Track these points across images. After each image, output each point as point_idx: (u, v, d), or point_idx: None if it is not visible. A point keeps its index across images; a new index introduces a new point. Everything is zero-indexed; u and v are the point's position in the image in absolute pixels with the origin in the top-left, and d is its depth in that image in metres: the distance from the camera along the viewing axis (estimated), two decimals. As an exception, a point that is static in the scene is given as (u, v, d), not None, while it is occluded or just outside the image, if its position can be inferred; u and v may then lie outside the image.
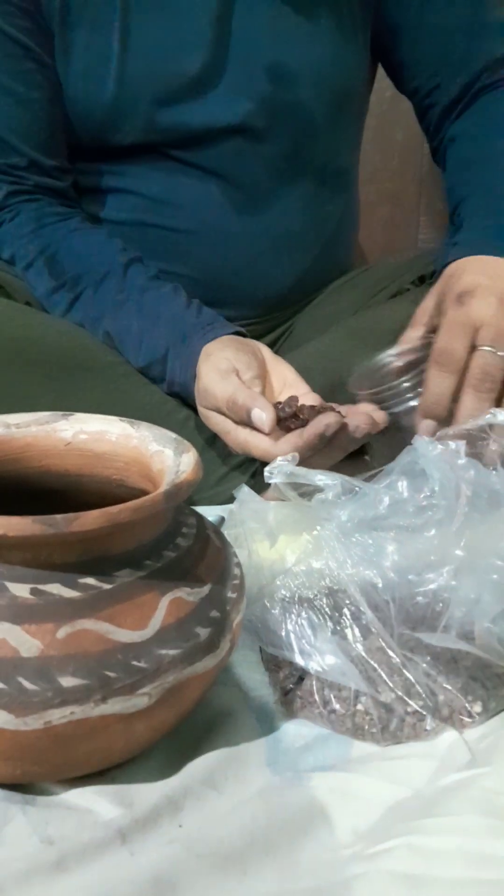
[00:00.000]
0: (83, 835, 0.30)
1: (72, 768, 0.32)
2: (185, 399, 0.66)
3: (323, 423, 0.52)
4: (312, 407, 0.56)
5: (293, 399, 0.57)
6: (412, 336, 0.60)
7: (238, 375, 0.58)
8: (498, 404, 0.53)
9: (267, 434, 0.54)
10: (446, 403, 0.53)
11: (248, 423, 0.55)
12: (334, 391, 0.72)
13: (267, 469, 0.43)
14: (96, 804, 0.32)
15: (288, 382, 0.62)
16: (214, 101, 0.68)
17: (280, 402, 0.57)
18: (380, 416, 0.55)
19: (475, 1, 0.70)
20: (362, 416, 0.54)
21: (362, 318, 0.75)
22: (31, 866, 0.29)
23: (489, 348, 0.52)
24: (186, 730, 0.37)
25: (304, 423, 0.54)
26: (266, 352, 0.63)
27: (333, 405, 0.57)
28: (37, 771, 0.32)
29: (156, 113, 0.67)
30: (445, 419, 0.54)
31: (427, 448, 0.41)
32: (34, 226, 0.70)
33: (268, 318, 0.81)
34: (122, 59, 0.66)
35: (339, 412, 0.54)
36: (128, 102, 0.67)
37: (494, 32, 0.71)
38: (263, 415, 0.54)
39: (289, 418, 0.55)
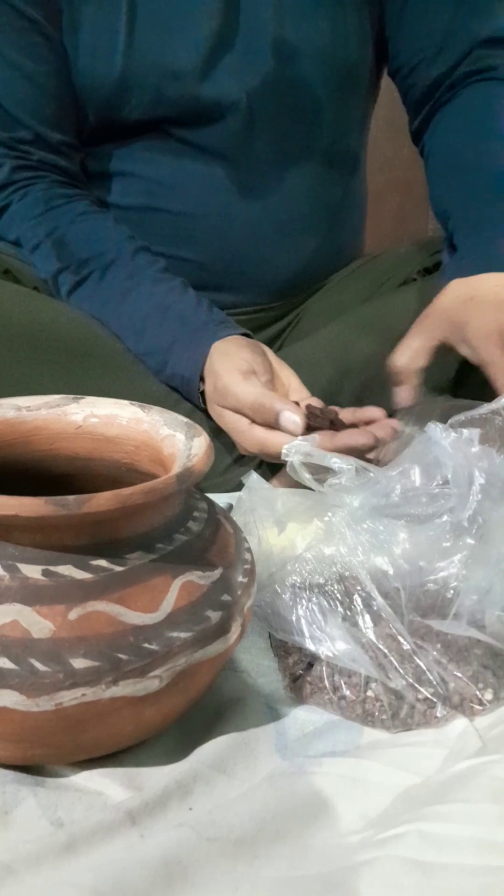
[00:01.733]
0: (93, 817, 0.30)
1: (82, 751, 0.32)
2: (182, 393, 0.66)
3: (360, 441, 0.53)
4: (341, 421, 0.58)
5: (329, 410, 0.58)
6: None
7: (257, 377, 0.58)
8: None
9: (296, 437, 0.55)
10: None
11: (273, 425, 0.55)
12: (342, 380, 0.71)
13: (285, 447, 0.43)
14: (106, 787, 0.32)
15: (293, 388, 0.62)
16: (221, 75, 0.68)
17: (311, 406, 0.58)
18: (399, 425, 0.56)
19: None
20: (387, 429, 0.55)
21: (370, 308, 0.74)
22: (42, 848, 0.29)
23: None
24: (196, 715, 0.37)
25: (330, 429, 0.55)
26: (271, 355, 0.64)
27: (338, 410, 0.59)
28: (47, 753, 0.32)
29: (163, 86, 0.67)
30: None
31: (440, 436, 0.41)
32: (43, 208, 0.69)
33: (275, 304, 0.80)
34: (129, 33, 0.66)
35: (371, 433, 0.55)
36: (136, 75, 0.66)
37: (480, 12, 0.69)
38: (296, 418, 0.54)
39: (317, 426, 0.56)
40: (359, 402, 0.71)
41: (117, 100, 0.68)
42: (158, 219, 0.73)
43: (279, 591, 0.40)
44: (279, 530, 0.45)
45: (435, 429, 0.41)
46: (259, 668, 0.41)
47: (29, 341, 0.63)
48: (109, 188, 0.73)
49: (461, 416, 0.45)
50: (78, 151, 0.73)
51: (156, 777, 0.33)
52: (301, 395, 0.61)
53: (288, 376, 0.63)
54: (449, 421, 0.44)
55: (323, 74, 0.71)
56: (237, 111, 0.69)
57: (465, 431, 0.42)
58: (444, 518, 0.39)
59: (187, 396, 0.65)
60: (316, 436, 0.46)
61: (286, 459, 0.43)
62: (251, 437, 0.57)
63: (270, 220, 0.74)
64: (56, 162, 0.71)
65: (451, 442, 0.41)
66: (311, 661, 0.39)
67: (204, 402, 0.63)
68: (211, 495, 0.61)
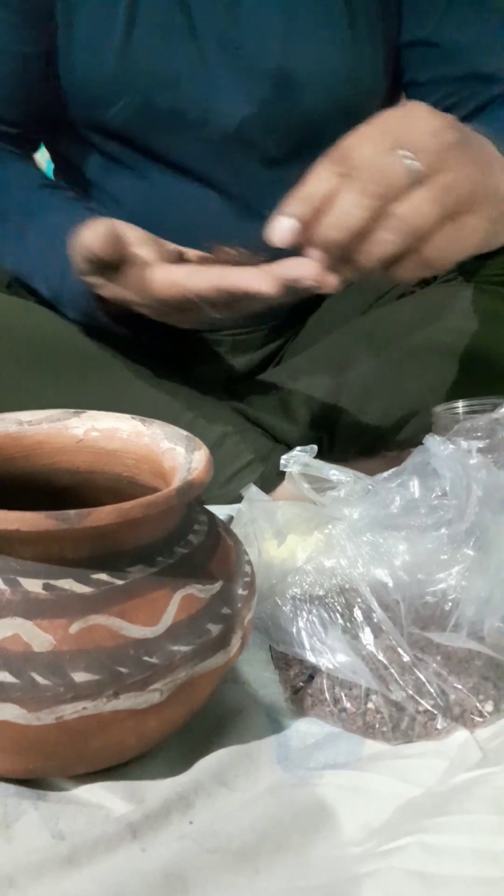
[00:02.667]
0: (94, 830, 0.30)
1: (83, 764, 0.33)
2: (91, 318, 0.60)
3: (254, 285, 0.44)
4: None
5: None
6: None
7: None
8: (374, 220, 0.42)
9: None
10: (316, 204, 0.42)
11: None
12: (340, 392, 0.71)
13: (284, 457, 0.43)
14: (107, 800, 0.32)
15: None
16: (215, 94, 0.66)
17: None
18: (332, 280, 0.45)
19: (496, 18, 0.66)
20: (308, 266, 0.44)
21: (368, 320, 0.74)
22: (43, 860, 0.29)
23: (404, 153, 0.42)
24: (196, 727, 0.37)
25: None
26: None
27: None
28: (48, 766, 0.32)
29: (154, 92, 0.65)
30: (311, 228, 0.43)
31: (439, 448, 0.41)
32: None
33: (269, 325, 0.79)
34: (127, 32, 0.64)
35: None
36: (128, 76, 0.65)
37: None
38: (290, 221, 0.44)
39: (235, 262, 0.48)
40: (358, 414, 0.72)
41: (106, 98, 0.66)
42: None
43: (280, 602, 0.40)
44: (279, 542, 0.46)
45: (433, 441, 0.41)
46: (260, 680, 0.41)
47: (28, 353, 0.63)
48: (97, 205, 0.71)
49: (466, 424, 0.46)
50: (24, 131, 0.70)
51: (157, 789, 0.33)
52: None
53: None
54: (454, 429, 0.45)
55: (326, 110, 0.67)
56: (228, 135, 0.67)
57: (464, 442, 0.43)
58: (443, 530, 0.39)
59: (93, 316, 0.59)
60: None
61: (285, 469, 0.43)
62: (154, 278, 0.50)
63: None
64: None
65: (448, 453, 0.41)
66: (312, 673, 0.39)
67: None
68: (211, 507, 0.61)
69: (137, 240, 0.52)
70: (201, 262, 0.50)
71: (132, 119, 0.67)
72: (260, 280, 0.43)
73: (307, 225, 0.42)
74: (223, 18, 0.64)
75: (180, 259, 0.53)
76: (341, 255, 0.43)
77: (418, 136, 0.42)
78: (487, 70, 0.67)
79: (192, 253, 0.55)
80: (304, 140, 0.68)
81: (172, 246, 0.55)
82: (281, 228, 0.43)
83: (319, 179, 0.43)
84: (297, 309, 0.79)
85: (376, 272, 0.44)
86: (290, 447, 0.50)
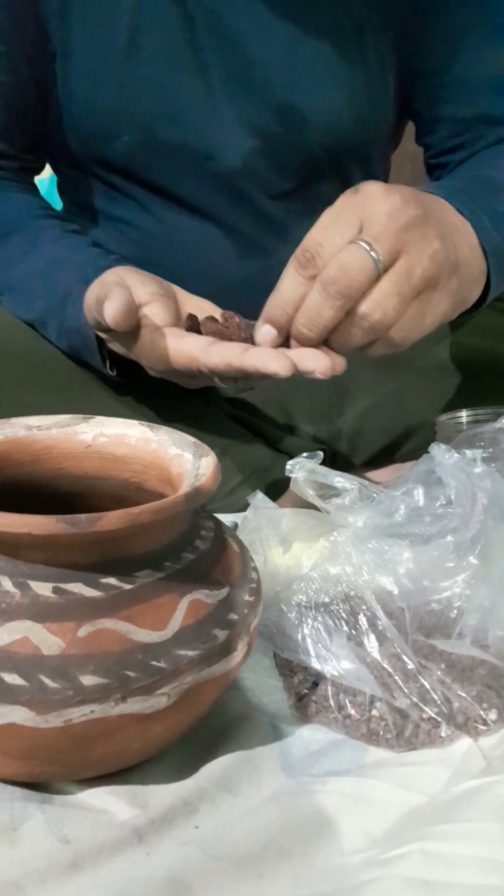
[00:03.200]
0: (99, 834, 0.31)
1: (89, 768, 0.33)
2: (83, 353, 0.59)
3: (272, 367, 0.44)
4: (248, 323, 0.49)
5: (234, 319, 0.51)
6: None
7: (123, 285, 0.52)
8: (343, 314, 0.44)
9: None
10: (290, 311, 0.45)
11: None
12: (342, 404, 0.71)
13: (290, 462, 0.43)
14: (112, 804, 0.32)
15: (205, 310, 0.55)
16: (219, 127, 0.64)
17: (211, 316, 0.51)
18: (340, 363, 0.46)
19: None
20: (319, 361, 0.45)
21: None
22: (48, 865, 0.29)
23: (365, 245, 0.42)
24: (201, 733, 0.37)
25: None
26: (176, 287, 0.57)
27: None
28: (54, 770, 0.32)
29: (157, 124, 0.63)
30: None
31: (444, 456, 0.41)
32: None
33: None
34: (127, 63, 0.62)
35: (289, 359, 0.45)
36: (130, 109, 0.63)
37: None
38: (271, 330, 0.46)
39: (224, 335, 0.49)
40: (360, 428, 0.72)
41: (106, 131, 0.64)
42: (153, 273, 0.67)
43: (285, 609, 0.40)
44: (284, 550, 0.46)
45: (438, 449, 0.42)
46: (264, 686, 0.41)
47: (27, 367, 0.63)
48: (103, 233, 0.71)
49: (469, 433, 0.46)
50: (16, 161, 0.70)
51: (162, 795, 0.33)
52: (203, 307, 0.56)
53: (200, 303, 0.57)
54: (457, 438, 0.45)
55: (331, 145, 0.66)
56: (234, 170, 0.65)
57: (468, 452, 0.43)
58: (449, 538, 0.39)
59: (88, 356, 0.59)
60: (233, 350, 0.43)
61: (290, 475, 0.44)
62: (167, 347, 0.51)
63: (272, 281, 0.68)
64: None
65: (454, 462, 0.41)
66: (316, 680, 0.40)
67: (104, 356, 0.58)
68: (216, 515, 0.62)
69: (149, 296, 0.53)
70: (213, 333, 0.50)
71: (135, 152, 0.65)
72: (277, 364, 0.44)
73: (284, 327, 0.46)
74: (228, 51, 0.62)
75: (192, 322, 0.52)
76: (318, 345, 0.46)
77: (377, 219, 0.43)
78: (496, 112, 0.65)
79: (207, 305, 0.56)
80: (310, 175, 0.67)
81: (183, 294, 0.56)
82: (262, 336, 0.46)
83: (290, 284, 0.45)
84: None
85: (350, 355, 0.46)
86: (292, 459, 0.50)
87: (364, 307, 0.43)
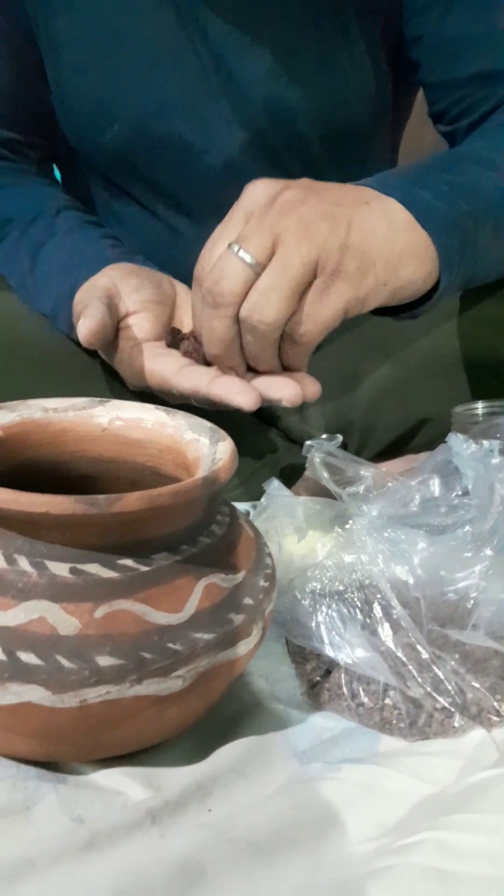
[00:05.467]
0: (113, 815, 0.31)
1: (103, 749, 0.33)
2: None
3: (236, 400, 0.44)
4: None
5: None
6: None
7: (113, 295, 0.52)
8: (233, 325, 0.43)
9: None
10: (197, 326, 0.45)
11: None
12: (351, 397, 0.71)
13: (308, 443, 0.43)
14: (125, 786, 0.32)
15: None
16: (209, 121, 0.63)
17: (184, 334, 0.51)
18: (312, 388, 0.46)
19: (499, 10, 0.62)
20: (288, 390, 0.45)
21: (377, 326, 0.74)
22: (62, 844, 0.29)
23: (235, 247, 0.42)
24: (213, 719, 0.37)
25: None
26: (181, 288, 0.57)
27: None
28: (69, 751, 0.32)
29: (146, 118, 0.63)
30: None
31: (462, 447, 0.41)
32: None
33: None
34: (112, 56, 0.61)
35: (256, 392, 0.45)
36: (119, 100, 0.63)
37: None
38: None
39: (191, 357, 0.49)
40: (371, 419, 0.71)
41: (97, 124, 0.64)
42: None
43: (299, 597, 0.40)
44: (299, 538, 0.46)
45: (456, 439, 0.41)
46: (276, 673, 0.41)
47: (43, 359, 0.62)
48: (108, 227, 0.69)
49: (484, 425, 0.46)
50: (34, 150, 0.69)
51: (175, 778, 0.33)
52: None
53: (183, 290, 0.56)
54: (474, 429, 0.45)
55: (324, 134, 0.64)
56: (229, 163, 0.64)
57: (486, 443, 0.43)
58: (467, 528, 0.39)
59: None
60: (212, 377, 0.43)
61: (307, 455, 0.43)
62: (143, 365, 0.51)
63: None
64: (5, 155, 0.68)
65: (471, 453, 0.41)
66: (329, 667, 0.39)
67: None
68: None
69: (139, 305, 0.52)
70: (190, 352, 0.49)
71: (127, 145, 0.64)
72: (242, 396, 0.44)
73: None
74: (212, 44, 0.61)
75: (173, 338, 0.52)
76: (234, 364, 0.45)
77: (252, 217, 0.42)
78: (492, 68, 0.62)
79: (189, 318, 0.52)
80: (305, 167, 0.65)
81: (186, 293, 0.54)
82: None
83: (195, 302, 0.45)
84: None
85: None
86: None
87: (243, 310, 0.42)
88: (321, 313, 0.43)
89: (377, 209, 0.45)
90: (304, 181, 0.44)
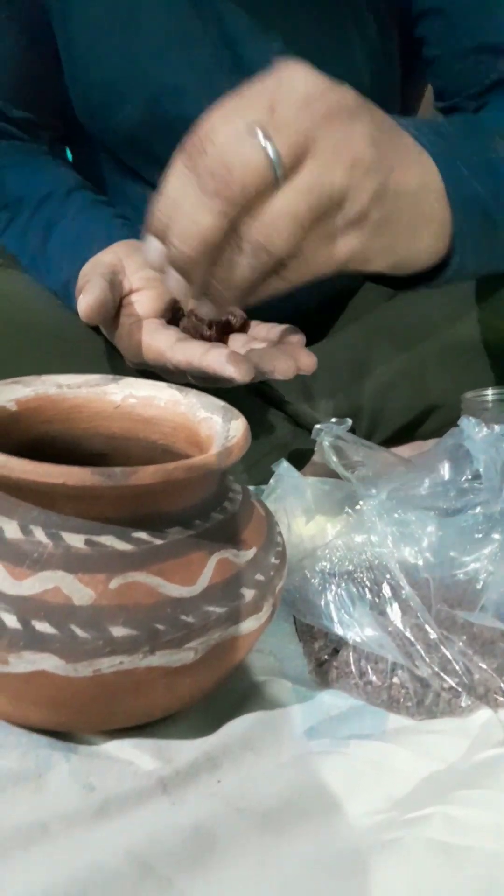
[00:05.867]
0: (125, 783, 0.31)
1: (114, 720, 0.33)
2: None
3: (228, 372, 0.41)
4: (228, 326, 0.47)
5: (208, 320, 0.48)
6: None
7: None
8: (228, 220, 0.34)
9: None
10: (168, 212, 0.36)
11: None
12: (362, 383, 0.71)
13: (317, 426, 0.43)
14: (136, 757, 0.33)
15: None
16: (220, 102, 0.63)
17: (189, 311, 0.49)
18: (307, 360, 0.43)
19: None
20: (283, 361, 0.42)
21: (392, 310, 0.74)
22: (75, 810, 0.29)
23: (259, 133, 0.33)
24: (222, 694, 0.37)
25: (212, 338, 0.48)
26: None
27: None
28: (80, 720, 0.32)
29: (159, 98, 0.63)
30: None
31: (474, 430, 0.41)
32: None
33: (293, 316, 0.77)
34: (126, 36, 0.61)
35: (250, 365, 0.43)
36: (131, 81, 0.62)
37: None
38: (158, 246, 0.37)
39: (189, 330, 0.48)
40: (380, 405, 0.71)
41: (110, 104, 0.64)
42: None
43: (309, 575, 0.41)
44: (307, 519, 0.46)
45: (468, 423, 0.41)
46: (284, 651, 0.41)
47: (54, 338, 0.62)
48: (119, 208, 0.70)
49: (496, 411, 0.46)
50: (47, 130, 0.69)
51: (185, 750, 0.33)
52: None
53: None
54: (484, 415, 0.45)
55: None
56: None
57: (498, 427, 0.43)
58: (478, 510, 0.39)
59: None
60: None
61: (316, 439, 0.43)
62: (141, 340, 0.49)
63: None
64: (17, 135, 0.68)
65: (483, 437, 0.41)
66: (337, 646, 0.40)
67: None
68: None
69: (143, 282, 0.51)
70: (189, 328, 0.49)
71: (140, 125, 0.64)
72: (235, 369, 0.42)
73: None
74: (225, 27, 0.61)
75: (173, 315, 0.50)
76: (201, 281, 0.37)
77: (288, 103, 0.34)
78: (496, 39, 0.60)
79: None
80: None
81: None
82: (151, 253, 0.38)
83: (174, 182, 0.35)
84: (323, 307, 0.78)
85: (236, 304, 0.38)
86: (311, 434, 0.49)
87: (250, 227, 0.34)
88: (321, 258, 0.37)
89: (416, 163, 0.40)
90: (350, 90, 0.37)
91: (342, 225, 0.36)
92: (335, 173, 0.34)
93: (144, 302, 0.52)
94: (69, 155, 0.76)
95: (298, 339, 0.48)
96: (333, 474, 0.46)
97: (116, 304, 0.51)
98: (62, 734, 0.33)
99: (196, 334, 0.48)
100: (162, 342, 0.48)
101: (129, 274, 0.52)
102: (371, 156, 0.35)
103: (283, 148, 0.33)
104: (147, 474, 0.30)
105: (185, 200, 0.35)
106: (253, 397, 0.70)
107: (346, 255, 0.37)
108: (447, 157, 0.42)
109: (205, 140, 0.34)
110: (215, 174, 0.33)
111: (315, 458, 0.49)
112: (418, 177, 0.40)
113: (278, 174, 0.33)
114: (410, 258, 0.42)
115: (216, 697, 0.37)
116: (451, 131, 0.47)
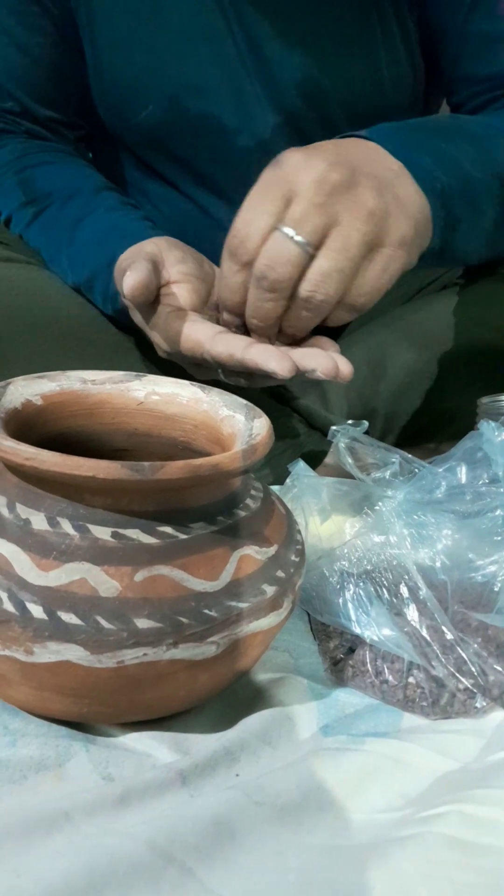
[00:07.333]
0: (144, 775, 0.31)
1: (135, 711, 0.33)
2: (124, 318, 0.58)
3: (271, 365, 0.43)
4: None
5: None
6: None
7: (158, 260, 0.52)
8: (286, 310, 0.44)
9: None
10: (237, 297, 0.46)
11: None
12: (378, 384, 0.72)
13: (333, 428, 0.44)
14: (154, 749, 0.33)
15: None
16: (242, 102, 0.64)
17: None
18: (346, 367, 0.45)
19: None
20: (323, 361, 0.44)
21: (409, 312, 0.74)
22: (96, 799, 0.30)
23: (289, 231, 0.42)
24: (239, 690, 0.38)
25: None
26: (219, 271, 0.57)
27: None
28: (102, 711, 0.33)
29: (181, 96, 0.64)
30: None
31: (493, 433, 0.41)
32: (19, 153, 0.67)
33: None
34: (150, 34, 0.62)
35: (290, 360, 0.44)
36: (156, 78, 0.64)
37: None
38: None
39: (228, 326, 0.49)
40: (395, 408, 0.72)
41: (133, 100, 0.65)
42: None
43: (327, 574, 0.41)
44: (323, 519, 0.46)
45: (488, 426, 0.42)
46: (300, 649, 0.42)
47: (74, 334, 0.62)
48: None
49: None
50: (73, 129, 0.70)
51: (203, 743, 0.34)
52: None
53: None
54: (500, 420, 0.45)
55: (353, 120, 0.63)
56: (259, 147, 0.64)
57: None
58: (498, 512, 0.39)
59: (128, 320, 0.57)
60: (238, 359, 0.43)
61: (332, 440, 0.44)
62: (180, 329, 0.50)
63: None
64: (44, 135, 0.69)
65: (502, 440, 0.42)
66: (352, 645, 0.40)
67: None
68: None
69: (181, 276, 0.52)
70: (228, 325, 0.50)
71: (161, 123, 0.65)
72: (278, 364, 0.43)
73: (239, 311, 0.46)
74: (249, 25, 0.62)
75: (213, 313, 0.52)
76: (275, 332, 0.46)
77: (301, 194, 0.42)
78: None
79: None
80: None
81: (213, 272, 0.55)
82: (227, 320, 0.47)
83: (227, 272, 0.45)
84: None
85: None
86: (325, 435, 0.50)
87: (304, 290, 0.43)
88: (381, 282, 0.44)
89: (403, 175, 0.47)
90: (335, 151, 0.45)
91: (386, 254, 0.44)
92: (359, 227, 0.42)
93: (182, 294, 0.52)
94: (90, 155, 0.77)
95: (334, 346, 0.49)
96: (346, 476, 0.46)
97: (157, 290, 0.52)
98: (81, 726, 0.34)
99: (237, 330, 0.49)
100: (202, 333, 0.49)
101: (168, 266, 0.53)
102: (380, 201, 0.43)
103: (309, 235, 0.42)
104: (174, 469, 0.30)
105: (249, 294, 0.45)
106: (267, 397, 0.71)
107: (400, 269, 0.45)
108: (411, 157, 0.48)
109: (242, 239, 0.44)
110: (266, 275, 0.43)
111: (328, 459, 0.49)
112: (409, 184, 0.47)
113: (310, 252, 0.42)
114: (425, 247, 0.49)
115: (231, 693, 0.37)
116: (415, 130, 0.52)
